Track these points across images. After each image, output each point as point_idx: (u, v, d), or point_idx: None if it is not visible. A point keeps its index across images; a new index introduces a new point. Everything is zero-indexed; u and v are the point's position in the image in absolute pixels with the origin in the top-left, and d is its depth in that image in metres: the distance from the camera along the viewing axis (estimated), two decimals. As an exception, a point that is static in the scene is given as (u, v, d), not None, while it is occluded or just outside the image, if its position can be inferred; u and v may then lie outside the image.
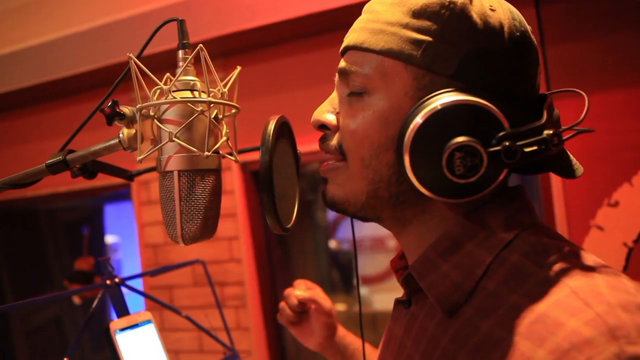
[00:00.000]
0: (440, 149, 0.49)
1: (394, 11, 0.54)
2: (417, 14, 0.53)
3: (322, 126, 0.61)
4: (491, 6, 0.53)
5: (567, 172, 0.57)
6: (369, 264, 2.90)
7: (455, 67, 0.51)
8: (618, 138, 1.59)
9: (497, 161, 0.48)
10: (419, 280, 0.56)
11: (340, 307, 2.92)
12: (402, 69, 0.53)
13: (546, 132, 0.48)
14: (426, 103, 0.50)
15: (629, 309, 0.43)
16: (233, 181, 2.13)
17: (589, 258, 0.50)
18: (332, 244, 3.07)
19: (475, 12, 0.52)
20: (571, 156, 0.58)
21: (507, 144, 0.48)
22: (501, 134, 0.48)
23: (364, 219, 0.61)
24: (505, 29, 0.52)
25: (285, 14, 1.82)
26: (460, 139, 0.48)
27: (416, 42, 0.52)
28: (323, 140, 0.62)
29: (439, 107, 0.49)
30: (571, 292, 0.45)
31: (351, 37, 0.58)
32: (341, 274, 3.02)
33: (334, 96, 0.61)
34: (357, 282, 0.79)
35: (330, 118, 0.60)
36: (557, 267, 0.48)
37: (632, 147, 1.58)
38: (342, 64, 0.59)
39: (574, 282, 0.46)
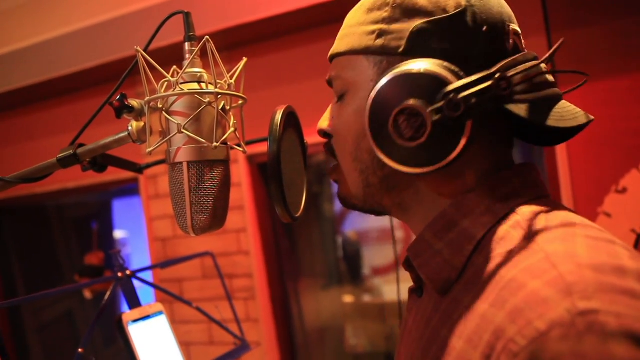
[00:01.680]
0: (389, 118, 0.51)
1: (355, 15, 0.60)
2: (371, 9, 0.57)
3: (325, 134, 0.64)
4: None
5: (539, 118, 0.52)
6: (378, 255, 2.90)
7: (404, 45, 0.54)
8: (624, 124, 1.58)
9: (446, 118, 0.48)
10: (412, 260, 0.57)
11: (348, 298, 2.93)
12: (364, 60, 0.57)
13: (497, 76, 0.47)
14: (378, 81, 0.53)
15: (601, 270, 0.42)
16: (240, 174, 2.14)
17: (583, 226, 0.49)
18: (340, 235, 3.08)
19: None
20: (572, 106, 0.56)
21: (450, 97, 0.48)
22: (445, 90, 0.49)
23: (374, 212, 0.63)
24: None
25: (288, 5, 1.82)
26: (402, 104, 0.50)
27: (371, 33, 0.56)
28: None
29: (383, 83, 0.52)
30: (544, 257, 0.45)
31: (331, 50, 0.62)
32: (349, 265, 3.03)
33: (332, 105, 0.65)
34: (397, 275, 0.79)
35: (327, 125, 0.64)
36: (542, 235, 0.48)
37: (639, 133, 1.57)
38: (327, 76, 0.63)
39: (552, 247, 0.46)
